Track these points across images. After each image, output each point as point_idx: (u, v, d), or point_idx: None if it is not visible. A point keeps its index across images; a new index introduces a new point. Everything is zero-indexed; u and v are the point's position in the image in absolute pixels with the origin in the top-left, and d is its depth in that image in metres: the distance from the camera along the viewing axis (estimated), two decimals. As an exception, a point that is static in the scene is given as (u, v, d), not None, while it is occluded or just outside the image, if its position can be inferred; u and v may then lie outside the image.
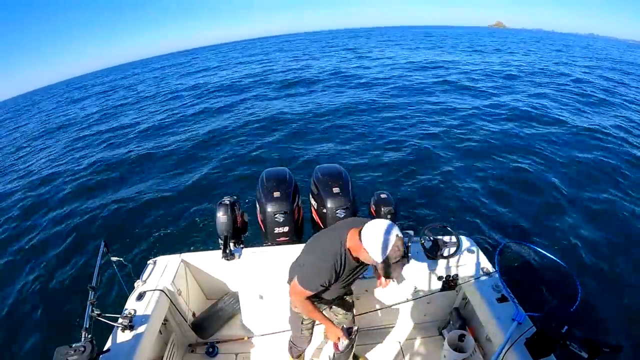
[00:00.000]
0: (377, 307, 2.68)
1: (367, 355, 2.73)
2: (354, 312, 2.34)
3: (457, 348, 2.33)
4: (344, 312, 2.25)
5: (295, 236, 3.09)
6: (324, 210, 3.00)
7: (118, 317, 2.05)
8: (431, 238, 2.61)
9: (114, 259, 2.29)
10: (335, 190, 3.01)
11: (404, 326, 2.87)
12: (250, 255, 2.71)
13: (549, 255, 3.10)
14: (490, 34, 70.37)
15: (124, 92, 23.33)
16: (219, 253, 2.67)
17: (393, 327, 2.86)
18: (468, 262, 2.60)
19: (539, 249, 3.04)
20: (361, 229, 1.59)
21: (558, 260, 2.60)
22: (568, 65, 22.98)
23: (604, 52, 37.05)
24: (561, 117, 10.37)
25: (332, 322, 1.94)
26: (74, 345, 1.62)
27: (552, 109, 11.28)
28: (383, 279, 1.85)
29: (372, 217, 3.14)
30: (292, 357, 2.44)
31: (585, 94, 13.87)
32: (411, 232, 2.61)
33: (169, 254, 2.75)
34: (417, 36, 54.39)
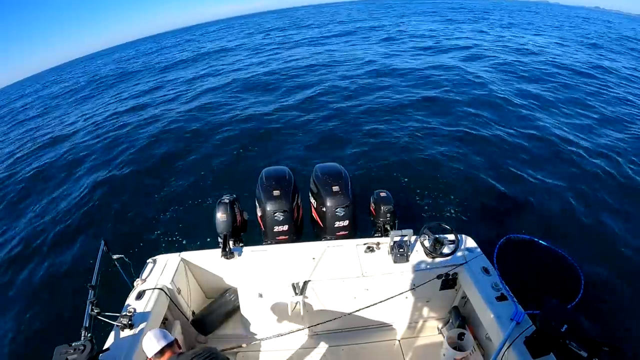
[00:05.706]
0: (377, 305, 2.69)
1: (367, 353, 2.74)
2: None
3: (457, 346, 2.34)
4: None
5: (295, 235, 3.09)
6: (324, 209, 3.00)
7: (118, 316, 2.05)
8: (431, 237, 2.61)
9: (114, 256, 2.29)
10: (335, 188, 3.01)
11: (403, 324, 2.87)
12: (250, 253, 2.71)
13: (550, 246, 3.08)
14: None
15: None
16: (218, 252, 2.68)
17: (393, 325, 2.87)
18: (467, 260, 2.60)
19: (540, 241, 3.03)
20: None
21: (559, 251, 2.59)
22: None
23: None
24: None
25: None
26: (73, 344, 1.63)
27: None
28: None
29: (372, 216, 3.16)
30: None
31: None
32: (411, 231, 2.61)
33: (169, 252, 2.75)
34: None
